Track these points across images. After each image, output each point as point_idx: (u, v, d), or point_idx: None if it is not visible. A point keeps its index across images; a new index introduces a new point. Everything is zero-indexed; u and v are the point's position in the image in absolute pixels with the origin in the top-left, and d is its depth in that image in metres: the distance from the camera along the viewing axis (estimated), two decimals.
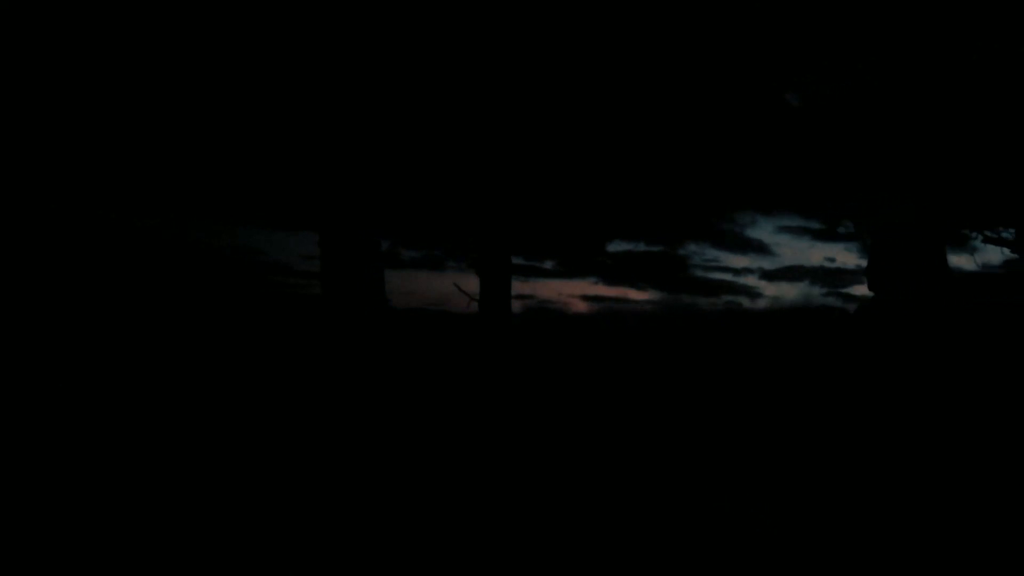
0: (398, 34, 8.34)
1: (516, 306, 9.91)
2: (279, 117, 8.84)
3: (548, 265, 12.66)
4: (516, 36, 8.64)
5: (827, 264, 14.23)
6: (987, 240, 10.06)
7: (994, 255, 10.82)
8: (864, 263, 9.68)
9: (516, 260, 10.11)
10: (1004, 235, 9.87)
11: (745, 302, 13.91)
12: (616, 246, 12.84)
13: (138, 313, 9.02)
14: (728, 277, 13.72)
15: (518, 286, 9.81)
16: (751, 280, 14.07)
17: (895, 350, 8.16)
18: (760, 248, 14.17)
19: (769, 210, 12.73)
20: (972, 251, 11.29)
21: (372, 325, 8.32)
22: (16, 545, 4.08)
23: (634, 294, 13.26)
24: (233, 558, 4.19)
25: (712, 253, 13.52)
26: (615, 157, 9.70)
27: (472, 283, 9.74)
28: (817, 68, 9.46)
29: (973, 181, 9.41)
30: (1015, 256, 9.73)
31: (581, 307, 12.87)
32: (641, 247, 12.72)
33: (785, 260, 15.58)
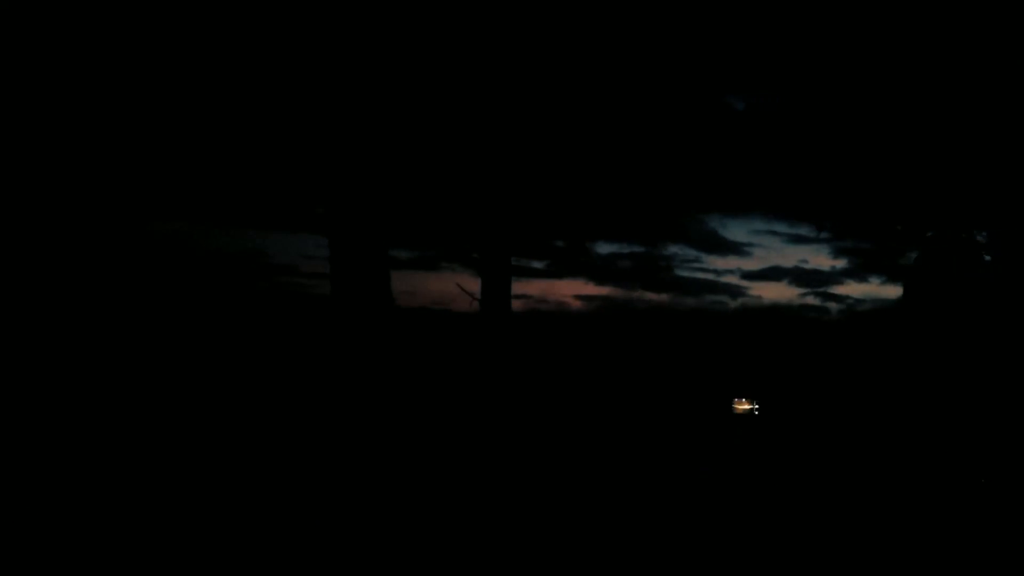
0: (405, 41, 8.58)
1: (514, 305, 10.24)
2: (289, 124, 9.07)
3: (538, 265, 13.02)
4: (512, 42, 8.92)
5: (802, 265, 14.71)
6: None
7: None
8: (837, 264, 10.04)
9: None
10: (978, 238, 10.26)
11: (729, 301, 14.37)
12: (604, 247, 13.25)
13: (150, 316, 9.17)
14: (711, 277, 14.18)
15: (513, 286, 10.14)
16: (733, 279, 14.52)
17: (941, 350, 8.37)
18: (738, 250, 14.65)
19: (745, 213, 13.20)
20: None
21: (381, 324, 8.62)
22: (16, 545, 4.21)
23: (621, 293, 13.67)
24: (244, 556, 4.40)
25: (693, 254, 14.01)
26: (604, 159, 9.99)
27: (466, 282, 10.05)
28: (797, 73, 9.79)
29: (946, 184, 9.75)
30: (987, 258, 10.12)
31: (574, 305, 13.24)
32: (627, 248, 13.14)
33: (763, 261, 16.10)
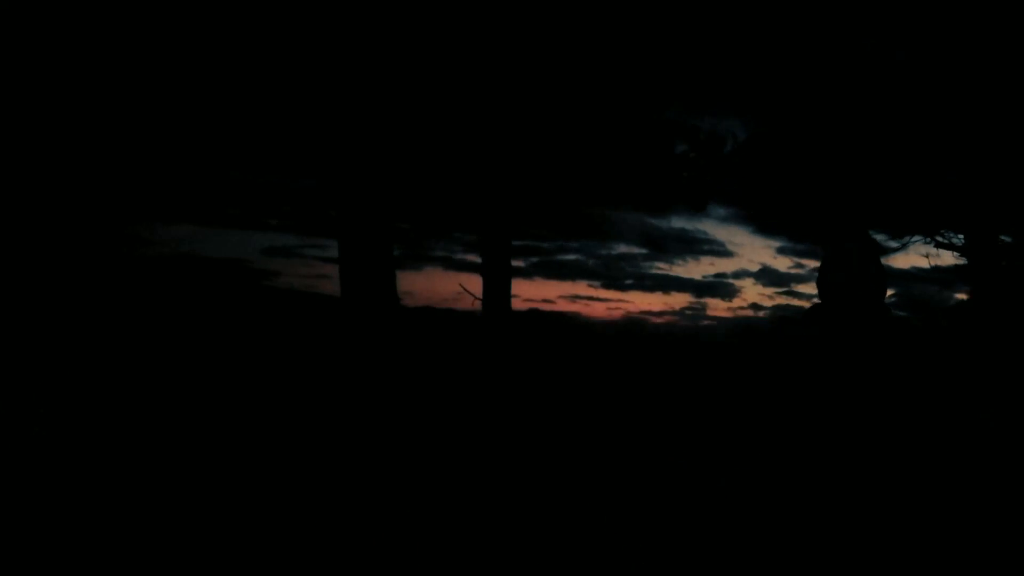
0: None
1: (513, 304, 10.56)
2: (297, 128, 9.31)
3: (524, 264, 13.39)
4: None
5: (764, 264, 15.16)
6: (939, 245, 10.85)
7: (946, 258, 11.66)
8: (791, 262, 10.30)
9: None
10: (955, 240, 10.68)
11: (700, 298, 14.83)
12: (573, 248, 13.69)
13: (159, 321, 9.34)
14: (679, 275, 14.60)
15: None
16: (698, 278, 14.98)
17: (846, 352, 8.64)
18: (700, 250, 15.09)
19: (700, 216, 13.66)
20: (927, 255, 12.22)
21: (388, 321, 8.94)
22: (16, 546, 4.39)
23: (597, 291, 14.13)
24: (253, 556, 4.62)
25: (654, 253, 14.50)
26: (575, 167, 10.27)
27: (468, 282, 10.38)
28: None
29: (924, 188, 10.14)
30: (964, 261, 10.57)
31: (559, 304, 13.65)
32: (592, 248, 13.60)
33: (731, 262, 16.61)
